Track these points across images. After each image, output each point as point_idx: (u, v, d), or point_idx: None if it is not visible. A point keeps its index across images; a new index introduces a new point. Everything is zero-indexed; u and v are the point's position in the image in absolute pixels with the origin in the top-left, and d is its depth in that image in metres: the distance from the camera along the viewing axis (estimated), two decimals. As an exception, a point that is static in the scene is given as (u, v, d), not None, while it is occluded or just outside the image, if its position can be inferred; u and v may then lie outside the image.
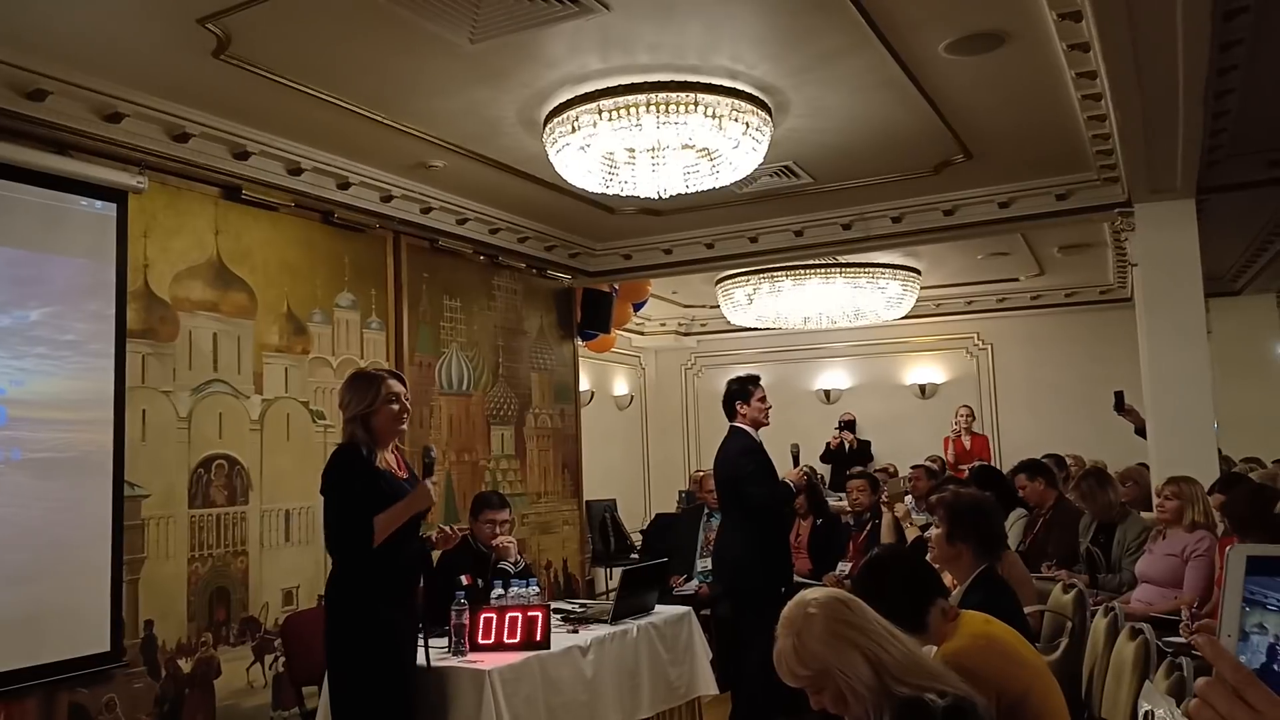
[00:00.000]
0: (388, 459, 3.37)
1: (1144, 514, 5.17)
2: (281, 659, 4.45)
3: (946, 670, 1.95)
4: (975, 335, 10.07)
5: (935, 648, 2.25)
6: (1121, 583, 4.74)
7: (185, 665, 4.27)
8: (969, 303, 9.87)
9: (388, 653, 3.24)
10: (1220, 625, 0.88)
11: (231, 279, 4.68)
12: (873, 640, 1.88)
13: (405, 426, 3.48)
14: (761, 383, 5.12)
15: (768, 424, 5.06)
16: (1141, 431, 6.14)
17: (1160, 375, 5.40)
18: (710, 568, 6.39)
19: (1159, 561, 4.30)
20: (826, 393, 10.70)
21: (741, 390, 5.03)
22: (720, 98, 4.21)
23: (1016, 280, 9.22)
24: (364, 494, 3.23)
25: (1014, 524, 5.72)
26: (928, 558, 2.86)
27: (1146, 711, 2.46)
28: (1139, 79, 3.78)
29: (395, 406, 3.38)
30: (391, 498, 3.26)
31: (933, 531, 2.85)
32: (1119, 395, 6.65)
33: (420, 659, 3.39)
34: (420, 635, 3.39)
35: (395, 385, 3.41)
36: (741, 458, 4.91)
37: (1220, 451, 6.21)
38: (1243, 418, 8.58)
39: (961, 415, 9.20)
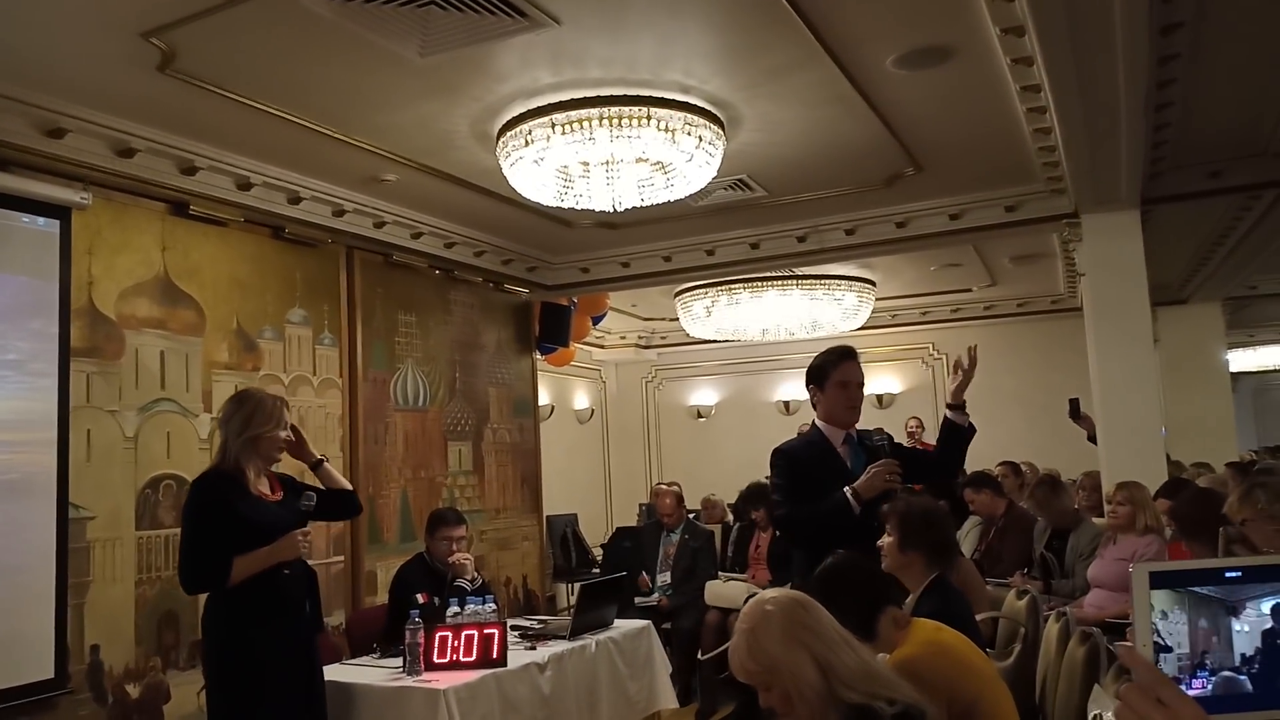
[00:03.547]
0: (261, 484, 3.31)
1: (1096, 519, 5.25)
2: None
3: (898, 678, 1.96)
4: (930, 345, 10.19)
5: (887, 655, 2.27)
6: (1075, 588, 4.81)
7: (133, 690, 4.17)
8: (924, 313, 9.99)
9: (258, 678, 3.13)
10: (1135, 636, 0.95)
11: (179, 295, 4.60)
12: (825, 645, 1.89)
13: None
14: (854, 358, 3.53)
15: (853, 421, 3.52)
16: (1094, 438, 6.24)
17: (1109, 382, 5.49)
18: (670, 582, 6.39)
19: (1110, 566, 4.37)
20: (786, 404, 10.76)
21: (818, 372, 3.53)
22: (673, 111, 4.24)
23: (970, 291, 9.35)
24: (224, 528, 3.14)
25: (969, 531, 5.79)
26: (881, 567, 2.88)
27: (1095, 715, 2.50)
28: (1081, 92, 3.87)
29: (284, 434, 3.34)
30: (259, 525, 3.18)
31: (884, 540, 2.86)
32: (1074, 403, 6.76)
33: (358, 675, 3.32)
34: (308, 652, 3.31)
35: (288, 414, 3.39)
36: (773, 466, 3.52)
37: (1169, 457, 6.33)
38: (1192, 423, 8.77)
39: (910, 426, 9.27)
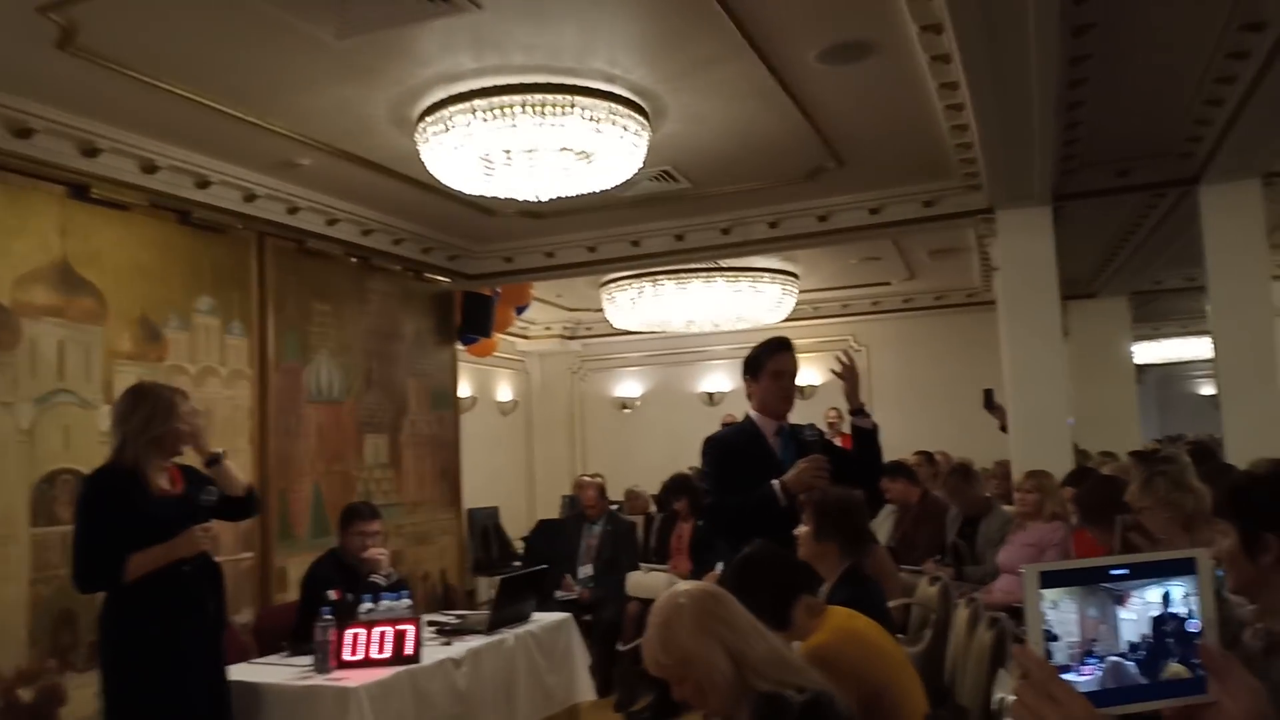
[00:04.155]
0: (160, 479, 3.18)
1: (1006, 507, 5.39)
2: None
3: (809, 667, 1.98)
4: (851, 337, 10.32)
5: (801, 643, 2.28)
6: (986, 574, 4.93)
7: (26, 694, 3.98)
8: (844, 306, 10.15)
9: (157, 678, 3.03)
10: (1028, 633, 0.98)
11: (79, 282, 4.40)
12: (737, 635, 1.90)
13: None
14: (788, 349, 3.59)
15: (785, 410, 3.56)
16: (1006, 428, 6.40)
17: (1020, 374, 5.64)
18: (592, 573, 6.38)
19: (1018, 552, 4.49)
20: (710, 395, 10.83)
21: (753, 363, 3.57)
22: (598, 101, 4.20)
23: (889, 284, 9.53)
24: (120, 523, 3.02)
25: (885, 519, 5.90)
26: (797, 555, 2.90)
27: (1000, 697, 2.56)
28: (997, 90, 3.95)
29: (186, 428, 3.21)
30: (158, 521, 3.07)
31: (801, 529, 2.89)
32: (988, 393, 6.92)
33: (271, 674, 3.23)
34: (212, 652, 3.21)
35: (189, 405, 3.26)
36: (704, 455, 3.58)
37: (1077, 446, 6.53)
38: (1099, 413, 9.06)
39: (830, 417, 9.40)
